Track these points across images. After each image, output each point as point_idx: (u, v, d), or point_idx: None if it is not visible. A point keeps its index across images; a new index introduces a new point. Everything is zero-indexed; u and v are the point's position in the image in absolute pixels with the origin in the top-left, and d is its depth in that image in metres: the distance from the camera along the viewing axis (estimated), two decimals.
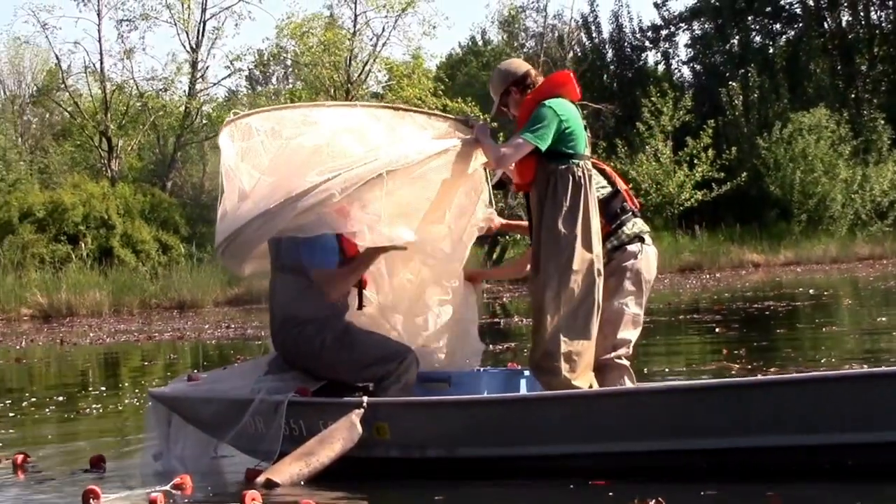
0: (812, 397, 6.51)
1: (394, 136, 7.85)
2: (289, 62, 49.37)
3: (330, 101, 9.02)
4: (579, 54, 55.65)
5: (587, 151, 7.64)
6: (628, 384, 7.82)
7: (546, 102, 7.49)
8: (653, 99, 46.59)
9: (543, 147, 7.43)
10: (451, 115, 8.24)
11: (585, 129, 7.70)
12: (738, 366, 12.60)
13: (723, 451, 6.70)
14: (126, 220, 39.36)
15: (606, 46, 57.21)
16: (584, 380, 7.47)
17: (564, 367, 7.41)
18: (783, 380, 7.03)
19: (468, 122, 7.95)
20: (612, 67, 56.83)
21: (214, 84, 49.81)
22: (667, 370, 12.75)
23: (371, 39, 44.88)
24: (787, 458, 6.62)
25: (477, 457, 7.15)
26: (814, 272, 37.74)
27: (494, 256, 39.96)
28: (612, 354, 7.78)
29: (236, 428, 7.56)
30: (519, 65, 7.95)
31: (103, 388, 14.04)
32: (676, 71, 58.06)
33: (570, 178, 7.48)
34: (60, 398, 13.35)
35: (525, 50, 51.70)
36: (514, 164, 7.70)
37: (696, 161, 45.71)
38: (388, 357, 7.63)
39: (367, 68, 43.81)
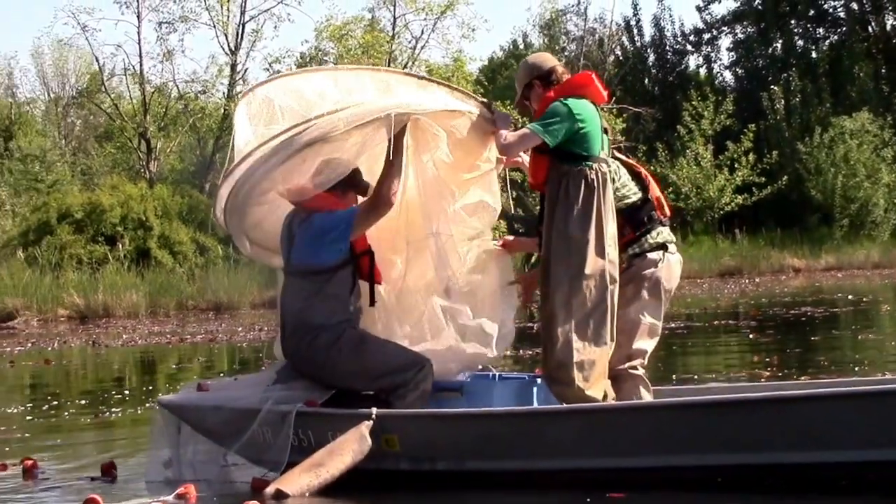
0: (821, 413, 6.41)
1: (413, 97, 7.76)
2: (329, 65, 49.30)
3: (354, 66, 8.86)
4: (620, 58, 55.40)
5: (605, 154, 7.45)
6: (644, 395, 7.65)
7: (561, 102, 7.34)
8: (693, 103, 46.31)
9: (552, 143, 7.27)
10: (474, 96, 8.05)
11: (606, 131, 7.52)
12: (768, 373, 12.41)
13: (737, 468, 6.56)
14: (164, 222, 39.31)
15: (648, 50, 56.91)
16: (598, 389, 7.29)
17: (577, 377, 7.23)
18: (796, 396, 6.83)
19: (490, 107, 7.79)
20: (653, 71, 56.52)
21: (253, 87, 49.51)
22: (696, 377, 12.55)
23: (410, 42, 44.88)
24: (808, 475, 6.48)
25: (488, 470, 7.01)
26: (855, 277, 37.36)
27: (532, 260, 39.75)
28: (627, 365, 7.61)
29: (244, 438, 7.44)
30: (546, 59, 7.77)
31: (127, 392, 13.95)
32: (718, 75, 57.72)
33: (583, 179, 7.30)
34: (83, 402, 13.28)
35: (566, 53, 51.49)
36: (528, 163, 7.62)
37: (736, 165, 45.40)
38: (405, 366, 7.50)
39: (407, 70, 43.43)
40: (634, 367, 7.66)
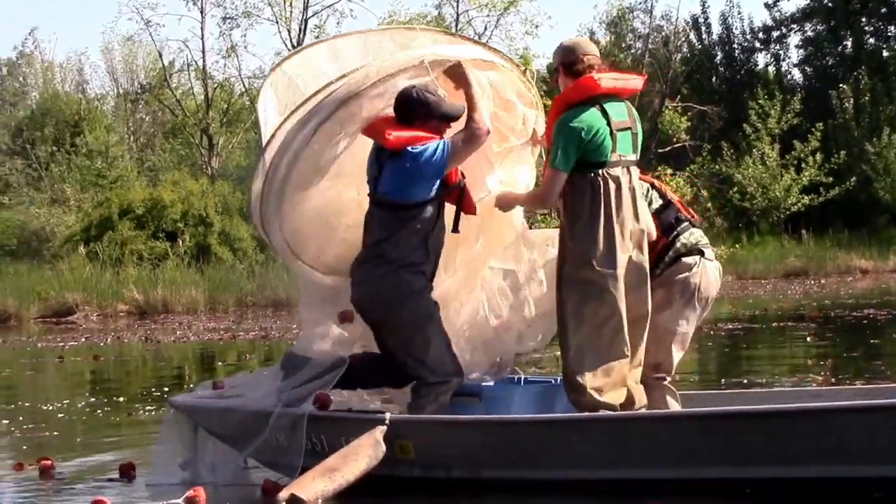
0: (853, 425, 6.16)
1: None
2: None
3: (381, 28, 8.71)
4: (687, 55, 54.89)
5: (616, 157, 7.14)
6: (671, 405, 7.38)
7: (565, 121, 7.06)
8: (760, 101, 45.77)
9: (568, 168, 7.07)
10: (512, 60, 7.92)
11: (629, 128, 7.23)
12: (821, 378, 12.06)
13: (761, 481, 6.31)
14: (224, 218, 39.29)
15: (716, 48, 56.30)
16: (614, 396, 7.04)
17: (590, 385, 7.01)
18: (833, 408, 6.52)
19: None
20: (721, 69, 55.91)
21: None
22: (745, 381, 12.25)
23: (472, 38, 44.43)
24: (833, 489, 6.22)
25: (504, 479, 6.80)
26: None
27: None
28: (654, 375, 7.35)
29: (257, 441, 7.23)
30: (577, 46, 7.39)
31: (167, 389, 13.78)
32: (787, 73, 57.03)
33: (589, 188, 7.08)
34: (120, 399, 13.15)
35: (632, 51, 51.09)
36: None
37: (803, 165, 44.76)
38: (440, 372, 7.28)
39: None
40: (662, 377, 7.39)
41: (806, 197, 44.60)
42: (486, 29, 44.34)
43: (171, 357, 19.54)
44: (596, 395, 6.96)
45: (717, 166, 44.98)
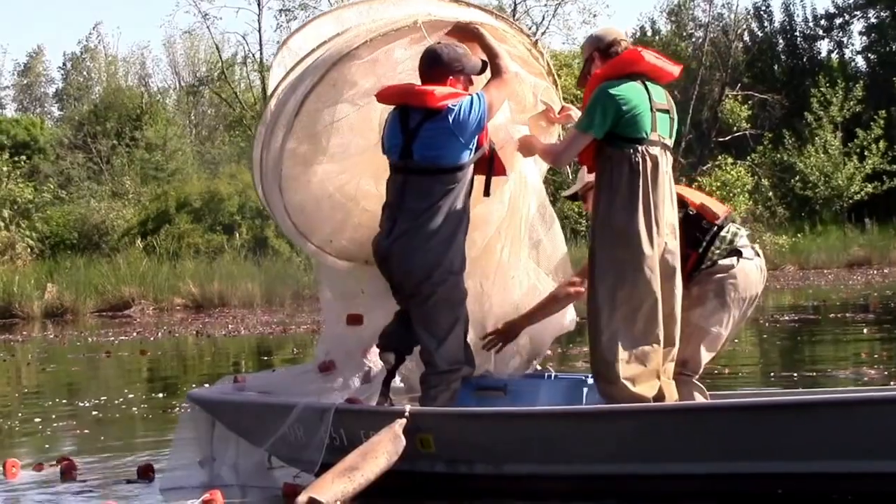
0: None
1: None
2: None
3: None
4: (748, 43, 54.36)
5: (658, 135, 6.85)
6: (698, 399, 7.08)
7: (605, 86, 6.76)
8: (822, 89, 45.18)
9: (599, 135, 6.76)
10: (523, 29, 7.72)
11: (668, 112, 6.95)
12: (874, 371, 11.72)
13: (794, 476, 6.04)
14: None
15: (777, 36, 55.74)
16: (647, 388, 6.71)
17: (623, 374, 6.67)
18: (854, 399, 6.25)
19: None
20: (782, 57, 55.32)
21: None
22: (795, 376, 11.92)
23: (530, 28, 44.21)
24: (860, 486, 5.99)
25: (528, 474, 6.52)
26: None
27: None
28: (681, 371, 7.05)
29: (276, 435, 7.01)
30: (609, 31, 7.17)
31: (207, 385, 13.61)
32: (850, 60, 56.31)
33: (628, 164, 6.73)
34: (161, 395, 13.00)
35: (693, 40, 50.64)
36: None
37: (866, 153, 44.17)
38: (455, 360, 7.01)
39: None
40: (688, 374, 7.10)
41: (869, 185, 44.07)
42: (543, 18, 44.12)
43: (221, 352, 19.37)
44: (629, 386, 6.64)
45: (778, 155, 44.47)
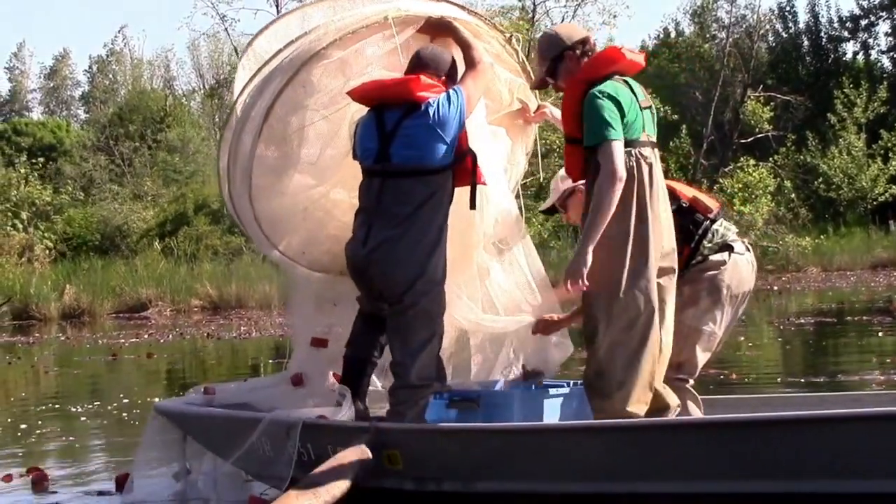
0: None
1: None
2: None
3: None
4: (772, 44, 54.01)
5: (647, 135, 6.60)
6: (692, 410, 6.86)
7: (598, 93, 6.44)
8: (845, 90, 44.81)
9: (621, 138, 6.42)
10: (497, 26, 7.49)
11: (650, 107, 6.70)
12: (884, 378, 11.47)
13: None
14: None
15: (802, 37, 55.39)
16: (641, 405, 6.44)
17: (617, 390, 6.41)
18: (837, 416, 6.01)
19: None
20: (807, 59, 54.93)
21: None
22: (802, 380, 11.75)
23: (549, 29, 43.81)
24: None
25: (499, 492, 6.29)
26: None
27: None
28: (676, 376, 6.81)
29: (242, 449, 6.80)
30: (573, 30, 6.90)
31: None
32: (876, 62, 55.88)
33: None
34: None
35: (716, 41, 50.29)
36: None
37: (890, 154, 43.79)
38: (426, 376, 6.75)
39: None
40: (684, 380, 6.86)
41: (893, 187, 43.69)
42: (563, 19, 43.60)
43: (231, 354, 19.20)
44: (623, 402, 6.37)
45: (801, 157, 44.08)
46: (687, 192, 7.06)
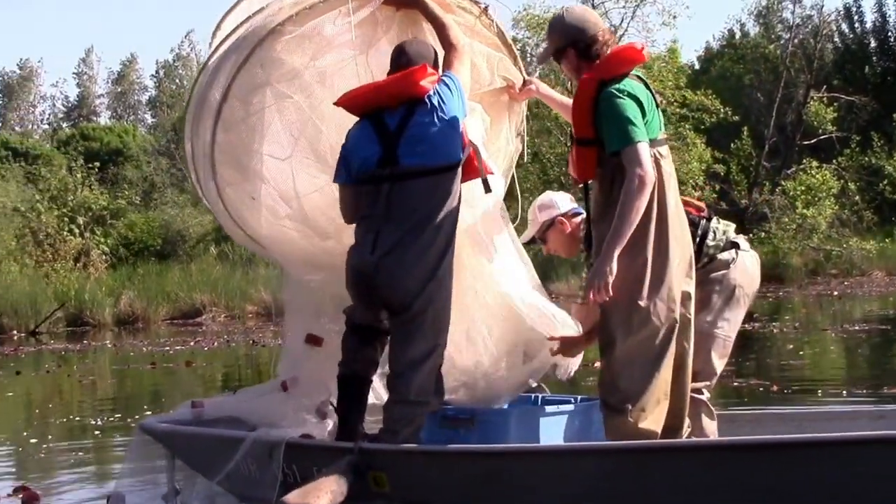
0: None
1: None
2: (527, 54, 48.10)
3: None
4: (838, 45, 53.28)
5: (661, 135, 6.22)
6: (706, 424, 6.48)
7: (618, 91, 6.03)
8: None
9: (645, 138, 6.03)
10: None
11: (658, 106, 6.30)
12: None
13: None
14: None
15: (869, 37, 54.60)
16: (655, 421, 6.03)
17: (631, 405, 5.98)
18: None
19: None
20: (874, 58, 54.11)
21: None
22: (844, 392, 11.35)
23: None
24: None
25: None
26: None
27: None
28: (693, 385, 6.38)
29: (225, 470, 6.49)
30: (588, 20, 6.32)
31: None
32: None
33: None
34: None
35: (781, 42, 49.64)
36: (571, 156, 6.40)
37: None
38: (424, 389, 6.36)
39: None
40: (699, 391, 6.46)
41: None
42: (622, 21, 43.11)
43: (269, 362, 18.95)
44: (637, 420, 5.96)
45: (866, 158, 43.31)
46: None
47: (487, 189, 6.57)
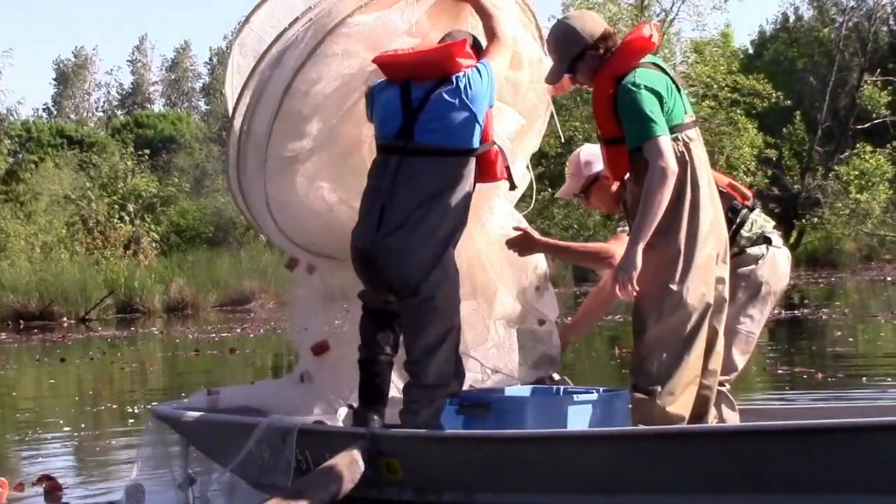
0: None
1: None
2: None
3: None
4: (893, 27, 52.70)
5: (689, 118, 6.07)
6: (728, 415, 6.34)
7: (631, 86, 5.88)
8: None
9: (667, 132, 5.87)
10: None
11: (680, 89, 6.14)
12: None
13: None
14: None
15: None
16: (683, 405, 5.88)
17: (661, 389, 5.84)
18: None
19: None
20: None
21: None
22: (888, 378, 11.02)
23: (659, 15, 43.08)
24: None
25: None
26: None
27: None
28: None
29: (239, 457, 6.41)
30: (593, 21, 6.23)
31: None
32: None
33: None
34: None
35: (834, 25, 49.16)
36: (603, 157, 6.28)
37: None
38: (442, 372, 6.25)
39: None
40: (721, 384, 6.30)
41: None
42: (672, 5, 42.83)
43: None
44: (665, 406, 5.83)
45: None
46: (723, 178, 6.53)
47: (512, 184, 6.61)
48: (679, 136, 5.93)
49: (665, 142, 5.81)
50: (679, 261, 5.89)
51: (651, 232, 5.80)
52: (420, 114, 6.23)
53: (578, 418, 6.32)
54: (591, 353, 15.20)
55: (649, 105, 5.85)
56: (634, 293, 5.83)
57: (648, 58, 6.07)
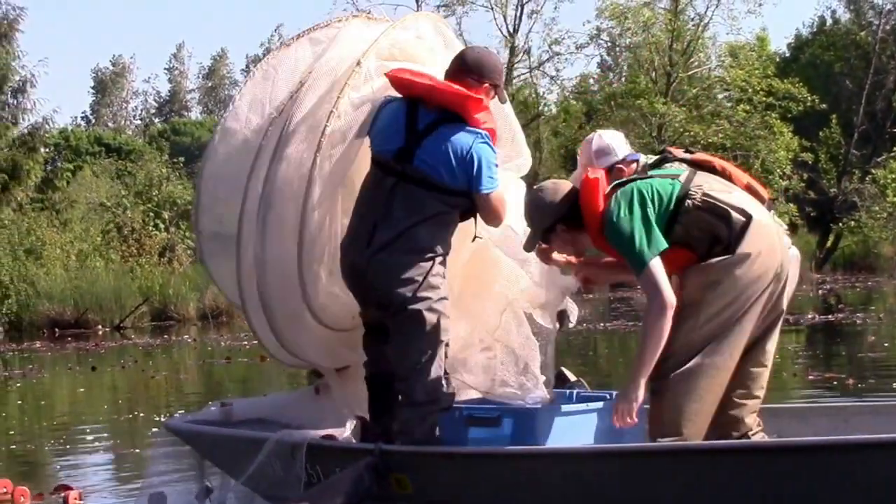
0: None
1: None
2: (620, 46, 47.61)
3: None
4: None
5: (684, 176, 5.99)
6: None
7: (610, 219, 5.81)
8: None
9: (666, 245, 5.78)
10: None
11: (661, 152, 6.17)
12: None
13: None
14: None
15: None
16: (699, 425, 5.75)
17: (684, 409, 5.72)
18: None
19: None
20: None
21: (531, 70, 47.65)
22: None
23: (693, 19, 43.01)
24: None
25: None
26: None
27: None
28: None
29: (249, 471, 6.39)
30: (557, 190, 6.14)
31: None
32: None
33: (694, 226, 5.85)
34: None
35: (871, 27, 48.93)
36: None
37: None
38: (432, 388, 6.20)
39: (690, 48, 41.79)
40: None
41: None
42: (707, 9, 42.70)
43: None
44: (679, 426, 5.72)
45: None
46: (742, 177, 6.39)
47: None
48: (689, 196, 5.88)
49: (656, 268, 5.72)
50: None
51: (652, 364, 5.70)
52: (422, 142, 6.19)
53: (588, 427, 6.26)
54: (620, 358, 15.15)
55: (636, 225, 5.78)
56: (635, 423, 5.76)
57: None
